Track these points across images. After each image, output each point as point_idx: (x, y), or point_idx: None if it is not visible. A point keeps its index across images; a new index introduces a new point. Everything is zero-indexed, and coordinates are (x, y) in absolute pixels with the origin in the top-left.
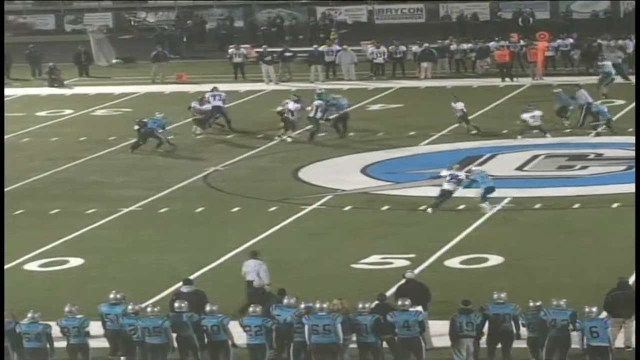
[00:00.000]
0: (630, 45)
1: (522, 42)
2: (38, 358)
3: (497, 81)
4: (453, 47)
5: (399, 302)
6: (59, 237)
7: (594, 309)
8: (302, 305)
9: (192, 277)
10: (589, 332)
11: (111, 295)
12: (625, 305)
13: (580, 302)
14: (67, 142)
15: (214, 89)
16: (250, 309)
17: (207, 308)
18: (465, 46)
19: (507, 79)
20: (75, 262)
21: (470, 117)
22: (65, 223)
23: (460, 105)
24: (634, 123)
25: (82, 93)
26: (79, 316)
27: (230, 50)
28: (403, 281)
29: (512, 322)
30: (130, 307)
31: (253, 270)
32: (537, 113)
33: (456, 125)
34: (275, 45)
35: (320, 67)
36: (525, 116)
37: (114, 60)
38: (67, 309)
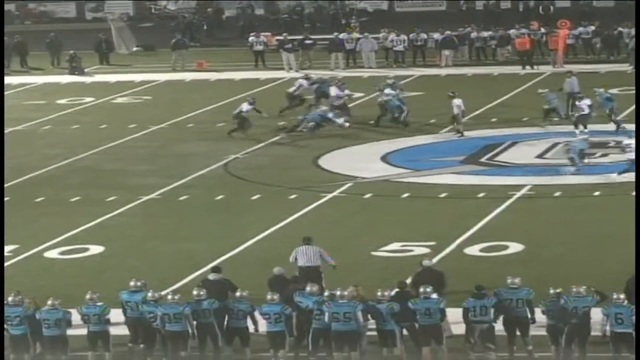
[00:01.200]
0: None
1: (542, 30)
2: (57, 345)
3: (517, 69)
4: (473, 35)
5: (421, 290)
6: (79, 224)
7: (622, 296)
8: (325, 293)
9: (212, 264)
10: (614, 319)
11: (131, 283)
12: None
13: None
14: (87, 130)
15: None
16: (269, 297)
17: (237, 294)
18: (485, 34)
19: (527, 67)
20: (95, 249)
21: (491, 105)
22: (85, 211)
23: (457, 101)
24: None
25: (102, 81)
26: (99, 304)
27: (250, 39)
28: (420, 269)
29: (527, 307)
30: (150, 294)
31: (314, 255)
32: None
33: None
34: (296, 33)
35: (341, 55)
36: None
37: (135, 48)
38: (88, 296)
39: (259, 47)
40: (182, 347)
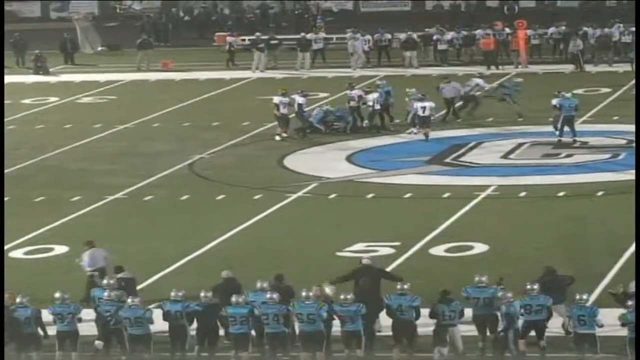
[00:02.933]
0: (617, 34)
1: (507, 30)
2: (30, 342)
3: (482, 69)
4: (436, 36)
5: (398, 286)
6: (44, 224)
7: (584, 296)
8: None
9: (178, 264)
10: (577, 320)
11: (104, 281)
12: (555, 291)
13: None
14: (52, 129)
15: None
16: (233, 299)
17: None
18: (449, 35)
19: (492, 67)
20: (60, 249)
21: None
22: (50, 210)
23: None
24: (618, 111)
25: (67, 81)
26: (71, 303)
27: (228, 38)
28: (359, 266)
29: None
30: (106, 293)
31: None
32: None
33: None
34: (261, 33)
35: (308, 55)
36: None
37: (99, 48)
38: (58, 295)
39: (233, 47)
40: (145, 349)
